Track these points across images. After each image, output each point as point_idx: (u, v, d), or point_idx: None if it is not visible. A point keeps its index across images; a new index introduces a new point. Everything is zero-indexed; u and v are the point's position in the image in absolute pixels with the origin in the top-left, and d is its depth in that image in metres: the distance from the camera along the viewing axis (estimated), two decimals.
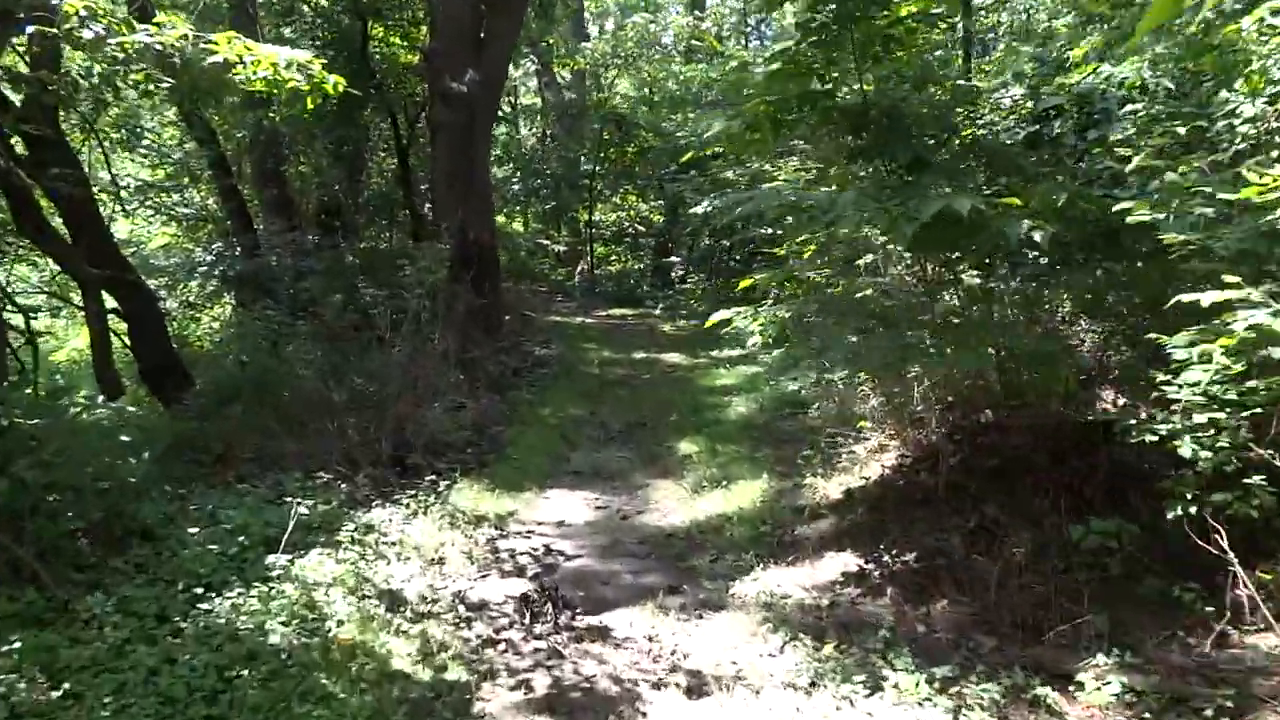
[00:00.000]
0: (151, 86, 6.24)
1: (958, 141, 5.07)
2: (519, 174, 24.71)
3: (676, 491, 6.72)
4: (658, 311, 17.75)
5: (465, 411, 8.69)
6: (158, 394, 8.48)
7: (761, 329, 4.95)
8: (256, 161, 17.14)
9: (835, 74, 4.93)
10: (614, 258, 26.64)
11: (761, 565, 5.21)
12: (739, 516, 5.94)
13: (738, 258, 17.25)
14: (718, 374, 10.46)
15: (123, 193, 14.97)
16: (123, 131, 11.71)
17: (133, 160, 16.65)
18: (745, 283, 6.02)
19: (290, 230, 14.64)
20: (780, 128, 5.12)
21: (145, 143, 13.45)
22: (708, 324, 5.93)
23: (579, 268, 26.55)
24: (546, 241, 28.23)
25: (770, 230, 15.02)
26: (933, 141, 4.99)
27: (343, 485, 6.54)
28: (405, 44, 14.96)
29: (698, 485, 6.69)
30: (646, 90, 24.61)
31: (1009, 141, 5.18)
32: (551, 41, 23.35)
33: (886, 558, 5.03)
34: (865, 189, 4.36)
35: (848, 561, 5.10)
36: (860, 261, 6.23)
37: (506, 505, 6.41)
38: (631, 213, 25.77)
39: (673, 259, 19.79)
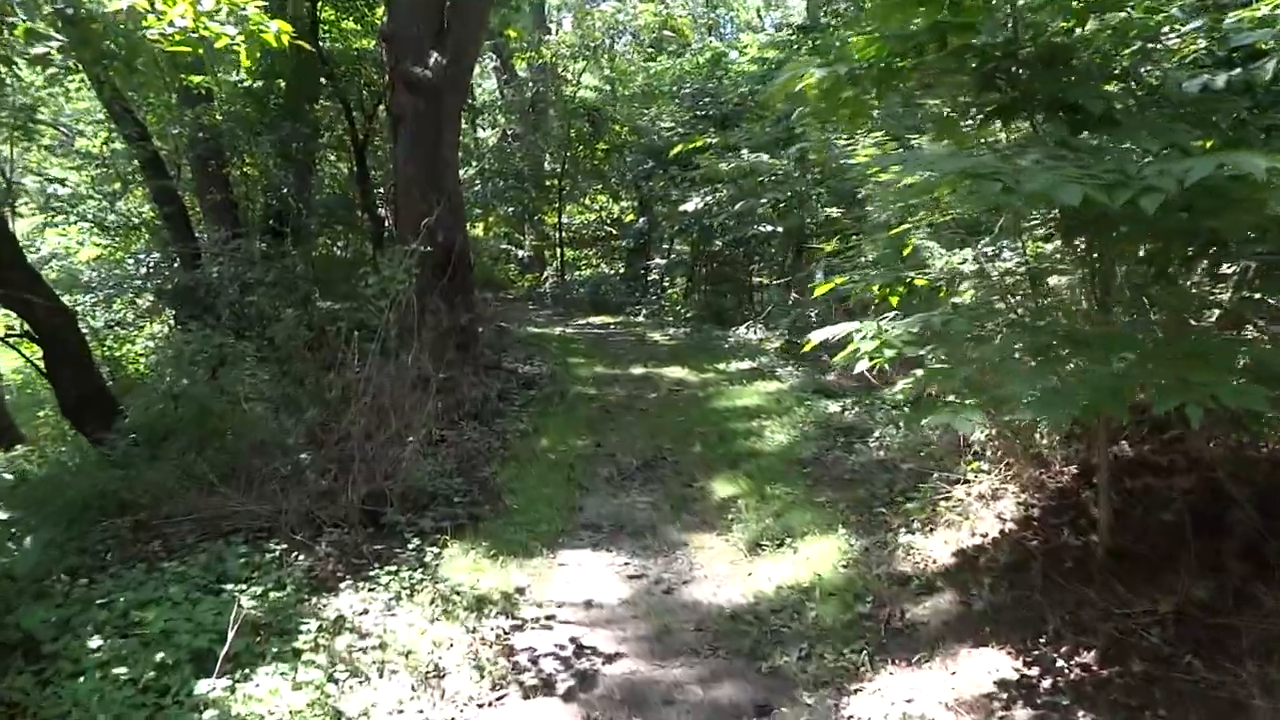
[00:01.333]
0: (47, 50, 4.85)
1: (1137, 89, 3.74)
2: (481, 175, 23.19)
3: (726, 551, 5.33)
4: (641, 319, 16.37)
5: (448, 449, 7.25)
6: (83, 432, 7.00)
7: (883, 349, 3.54)
8: (196, 162, 15.59)
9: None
10: (584, 262, 25.21)
11: (876, 666, 3.86)
12: (821, 588, 4.57)
13: (727, 260, 15.93)
14: (735, 392, 9.10)
15: (41, 198, 13.38)
16: (28, 122, 10.07)
17: (52, 160, 14.99)
18: (824, 287, 4.66)
19: (235, 237, 13.11)
20: (892, 78, 3.76)
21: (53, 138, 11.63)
22: (806, 346, 4.55)
23: (547, 273, 25.10)
24: (511, 247, 26.78)
25: (770, 227, 13.73)
26: (1115, 89, 3.64)
27: (301, 558, 5.08)
28: (360, 28, 13.43)
29: (754, 543, 5.31)
30: (611, 86, 23.20)
31: (1192, 89, 3.85)
32: (513, 34, 21.86)
33: (1053, 655, 3.69)
34: (1045, 154, 3.00)
35: (996, 662, 3.75)
36: (962, 258, 4.90)
37: (514, 578, 4.98)
38: (603, 214, 24.36)
39: (657, 261, 18.40)
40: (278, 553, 5.00)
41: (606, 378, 10.25)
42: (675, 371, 10.51)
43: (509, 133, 24.66)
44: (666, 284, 18.97)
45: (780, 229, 13.11)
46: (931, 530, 4.91)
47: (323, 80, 13.27)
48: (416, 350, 8.37)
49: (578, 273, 24.58)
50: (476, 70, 27.41)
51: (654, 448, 7.46)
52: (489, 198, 24.56)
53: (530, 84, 24.37)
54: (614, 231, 23.79)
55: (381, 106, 13.43)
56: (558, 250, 22.95)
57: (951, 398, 3.52)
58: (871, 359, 3.44)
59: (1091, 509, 4.35)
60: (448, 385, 8.97)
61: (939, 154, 3.10)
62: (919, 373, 3.68)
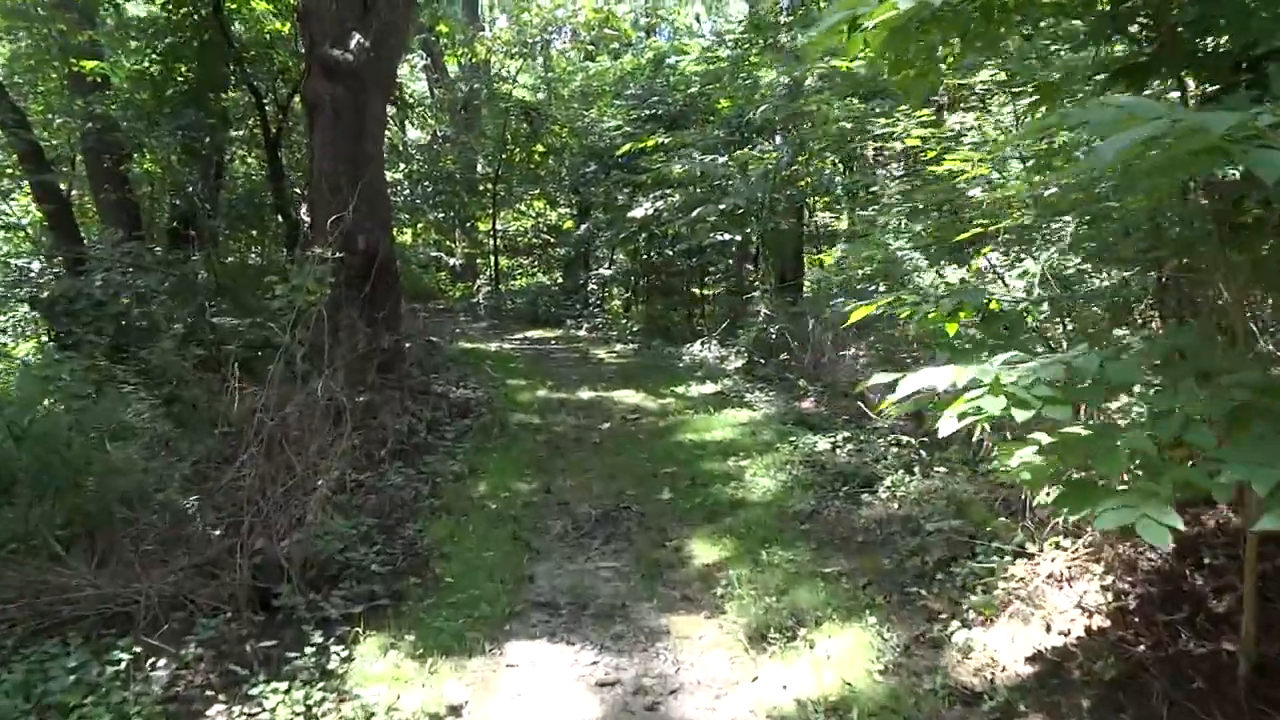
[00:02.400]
0: None
1: None
2: (409, 178, 21.76)
3: (721, 641, 4.16)
4: (583, 333, 15.18)
5: (365, 497, 5.98)
6: None
7: (1013, 409, 2.38)
8: (90, 157, 14.01)
9: None
10: (520, 271, 23.91)
11: None
12: (859, 708, 3.45)
13: (676, 271, 14.82)
14: (702, 422, 7.97)
15: None
16: None
17: None
18: (861, 311, 3.53)
19: (130, 240, 11.60)
20: (992, 23, 2.65)
21: None
22: (885, 406, 3.38)
23: (479, 283, 23.73)
24: (441, 254, 25.35)
25: (726, 236, 12.67)
26: None
27: (160, 666, 3.79)
28: (273, 8, 12.01)
29: (756, 632, 4.15)
30: (549, 85, 21.97)
31: None
32: (444, 30, 20.50)
33: None
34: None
35: None
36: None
37: (447, 691, 3.74)
38: (539, 220, 23.12)
39: (600, 272, 17.22)
40: (126, 661, 3.70)
41: (551, 403, 9.04)
42: (629, 396, 9.35)
43: (440, 134, 23.29)
44: (606, 296, 17.82)
45: (737, 237, 12.08)
46: (991, 622, 3.82)
47: (230, 66, 11.82)
48: (329, 374, 7.10)
49: (513, 282, 23.28)
50: (405, 69, 26.03)
51: (614, 494, 6.27)
52: (418, 202, 23.15)
53: (463, 83, 23.07)
54: (551, 239, 22.56)
55: (298, 98, 12.05)
56: (491, 258, 21.63)
57: (1100, 480, 2.40)
58: (981, 421, 2.31)
59: (1214, 602, 3.32)
60: (367, 415, 7.70)
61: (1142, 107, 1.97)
62: (1041, 437, 2.56)
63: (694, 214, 10.75)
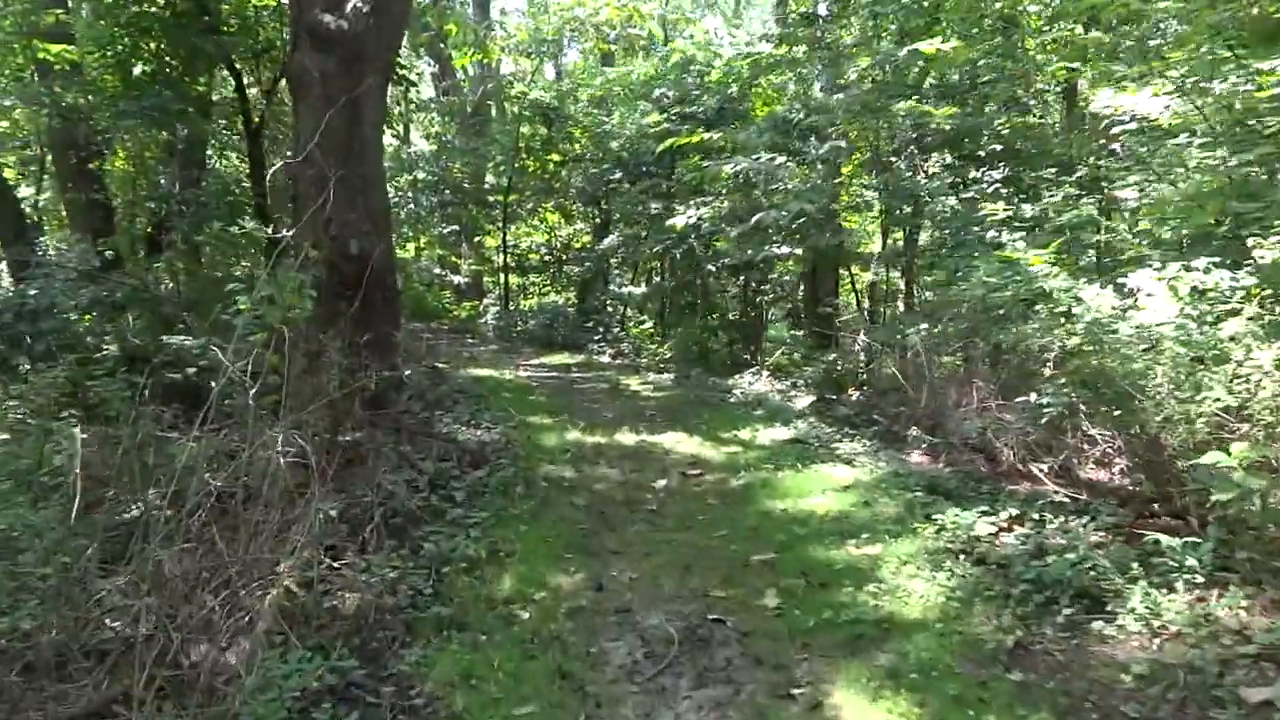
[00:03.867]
0: None
1: None
2: (413, 187, 20.05)
3: None
4: (607, 359, 13.35)
5: (338, 596, 4.13)
6: None
7: None
8: (58, 152, 12.37)
9: None
10: (532, 289, 22.11)
11: None
12: None
13: (718, 289, 12.99)
14: (789, 483, 6.08)
15: None
16: None
17: None
18: None
19: (96, 242, 9.88)
20: None
21: None
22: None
23: (487, 301, 21.92)
24: (445, 271, 23.59)
25: (784, 249, 10.86)
26: None
27: None
28: None
29: None
30: (564, 90, 20.20)
31: None
32: (453, 29, 18.74)
33: None
34: None
35: None
36: None
37: None
38: (553, 235, 21.33)
39: (629, 290, 15.39)
40: None
41: (586, 450, 7.17)
42: (682, 442, 7.49)
43: (447, 141, 21.57)
44: (629, 318, 15.99)
45: (796, 251, 10.28)
46: None
47: (207, 42, 10.06)
48: (299, 417, 5.32)
49: (524, 302, 21.49)
50: (411, 75, 24.37)
51: (694, 595, 4.40)
52: (421, 214, 21.39)
53: (473, 86, 21.42)
54: (565, 255, 20.77)
55: (286, 80, 10.28)
56: (501, 276, 19.84)
57: None
58: None
59: None
60: (351, 468, 5.88)
61: None
62: None
63: (754, 220, 8.92)
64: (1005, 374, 6.50)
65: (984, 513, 4.86)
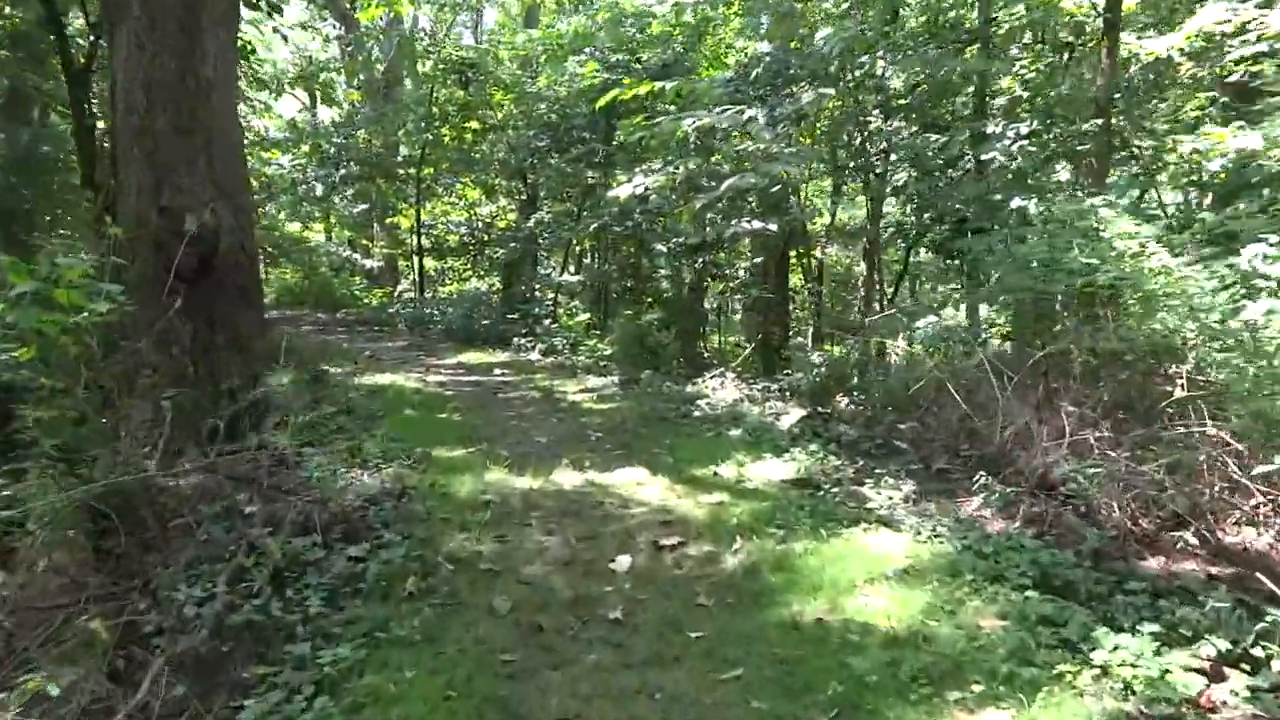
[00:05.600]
0: None
1: None
2: (316, 159, 17.56)
3: None
4: (537, 357, 11.29)
5: None
6: None
7: None
8: None
9: None
10: (450, 274, 19.86)
11: None
12: None
13: (671, 274, 10.98)
14: (821, 562, 4.07)
15: None
16: None
17: None
18: None
19: None
20: None
21: None
22: None
23: (402, 287, 19.61)
24: (356, 254, 21.19)
25: (756, 224, 8.86)
26: None
27: None
28: None
29: None
30: (480, 46, 17.89)
31: None
32: None
33: None
34: None
35: None
36: None
37: None
38: (473, 213, 19.07)
39: (566, 277, 13.29)
40: None
41: (512, 503, 5.13)
42: (642, 483, 5.50)
43: (353, 108, 19.13)
44: (562, 307, 13.91)
45: (771, 227, 8.34)
46: None
47: None
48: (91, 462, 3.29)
49: (441, 289, 19.25)
50: (307, 36, 21.79)
51: None
52: (323, 190, 18.89)
53: (383, 46, 18.99)
54: (488, 236, 18.55)
55: None
56: (415, 260, 17.55)
57: None
58: None
59: None
60: (141, 557, 3.83)
61: None
62: None
63: (724, 187, 6.94)
64: (1109, 393, 4.66)
65: (1159, 638, 2.99)
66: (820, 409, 7.05)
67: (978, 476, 4.72)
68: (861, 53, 8.40)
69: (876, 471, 5.35)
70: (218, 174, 6.06)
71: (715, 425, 6.93)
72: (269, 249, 21.63)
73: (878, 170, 8.68)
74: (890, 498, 4.87)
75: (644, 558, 4.31)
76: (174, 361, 5.71)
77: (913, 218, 9.03)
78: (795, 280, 12.54)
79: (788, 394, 7.60)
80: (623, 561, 4.24)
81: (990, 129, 7.36)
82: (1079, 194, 5.83)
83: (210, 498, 4.51)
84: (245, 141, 17.26)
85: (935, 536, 4.23)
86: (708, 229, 8.68)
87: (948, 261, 9.47)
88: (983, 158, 7.21)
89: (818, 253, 10.77)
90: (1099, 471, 4.19)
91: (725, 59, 13.66)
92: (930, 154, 7.71)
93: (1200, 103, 7.08)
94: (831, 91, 7.81)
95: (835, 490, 5.05)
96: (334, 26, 20.88)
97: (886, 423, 6.53)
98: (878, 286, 10.04)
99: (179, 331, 5.71)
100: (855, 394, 7.49)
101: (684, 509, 4.97)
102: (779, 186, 7.91)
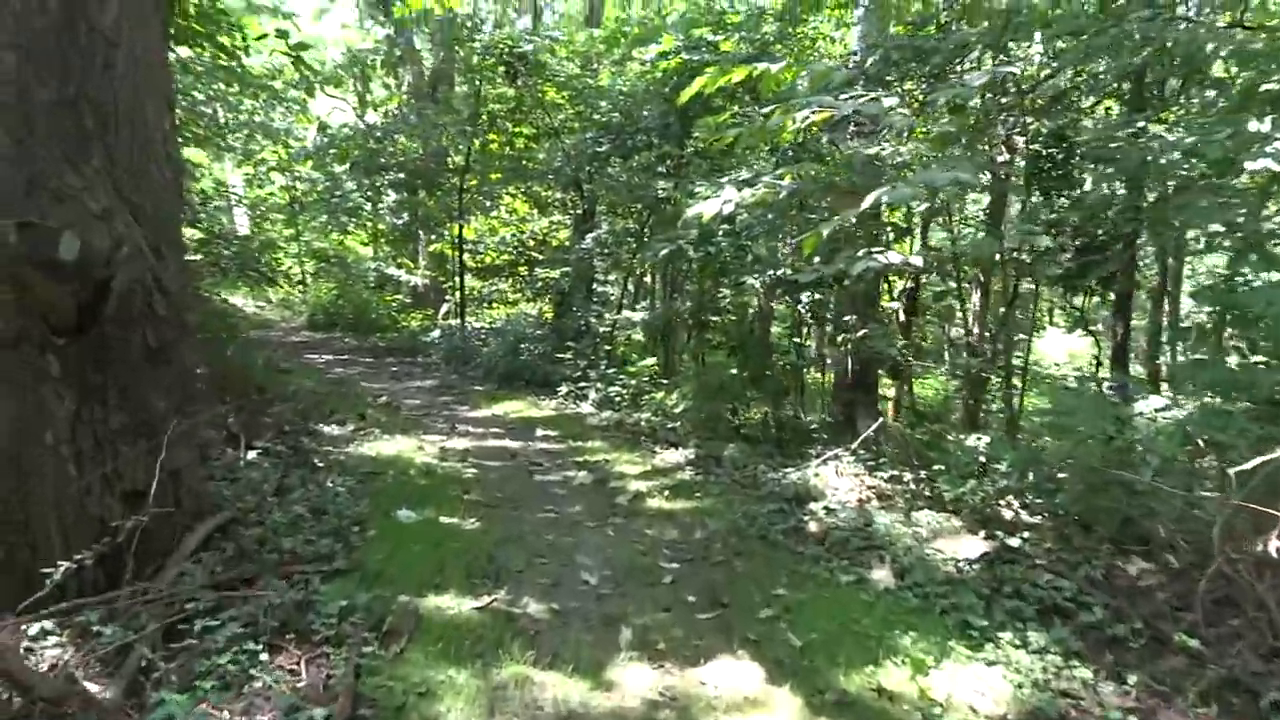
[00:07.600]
0: None
1: None
2: (351, 166, 15.63)
3: None
4: (589, 409, 9.13)
5: None
6: None
7: None
8: None
9: None
10: (496, 296, 17.85)
11: None
12: None
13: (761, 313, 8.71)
14: None
15: None
16: None
17: None
18: None
19: None
20: None
21: None
22: None
23: (445, 308, 17.61)
24: (400, 271, 19.30)
25: (895, 258, 6.54)
26: None
27: None
28: None
29: None
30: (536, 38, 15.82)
31: None
32: None
33: None
34: None
35: None
36: None
37: None
38: (524, 228, 17.03)
39: (627, 315, 11.11)
40: None
41: None
42: (757, 702, 3.29)
43: (395, 112, 17.22)
44: (620, 343, 11.71)
45: (916, 262, 6.06)
46: None
47: None
48: None
49: (484, 312, 17.22)
50: (336, 25, 19.98)
51: None
52: (362, 202, 16.96)
53: (430, 39, 17.16)
54: (539, 256, 16.50)
55: None
56: (456, 280, 15.52)
57: None
58: None
59: None
60: None
61: None
62: None
63: (868, 201, 4.71)
64: None
65: None
66: (999, 532, 4.75)
67: None
68: (1037, 26, 6.19)
69: (1158, 688, 3.04)
70: (121, 173, 3.97)
71: (848, 557, 4.66)
72: (301, 260, 19.85)
73: (1055, 174, 6.37)
74: None
75: None
76: (45, 458, 3.66)
77: (1049, 239, 6.71)
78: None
79: (934, 501, 5.30)
80: None
81: (1254, 125, 5.02)
82: None
83: None
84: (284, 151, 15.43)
85: None
86: (817, 260, 6.45)
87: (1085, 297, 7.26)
88: (1249, 165, 4.87)
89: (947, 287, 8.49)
90: None
91: (829, 51, 11.49)
92: (1149, 155, 5.39)
93: None
94: (1016, 70, 5.54)
95: None
96: (385, 24, 19.07)
97: (1102, 560, 4.23)
98: (989, 332, 7.70)
99: (52, 413, 3.67)
100: (1030, 500, 5.17)
101: None
102: (932, 203, 5.66)
